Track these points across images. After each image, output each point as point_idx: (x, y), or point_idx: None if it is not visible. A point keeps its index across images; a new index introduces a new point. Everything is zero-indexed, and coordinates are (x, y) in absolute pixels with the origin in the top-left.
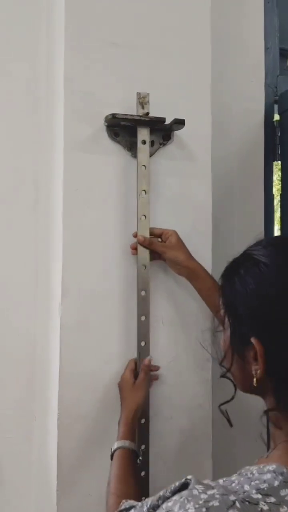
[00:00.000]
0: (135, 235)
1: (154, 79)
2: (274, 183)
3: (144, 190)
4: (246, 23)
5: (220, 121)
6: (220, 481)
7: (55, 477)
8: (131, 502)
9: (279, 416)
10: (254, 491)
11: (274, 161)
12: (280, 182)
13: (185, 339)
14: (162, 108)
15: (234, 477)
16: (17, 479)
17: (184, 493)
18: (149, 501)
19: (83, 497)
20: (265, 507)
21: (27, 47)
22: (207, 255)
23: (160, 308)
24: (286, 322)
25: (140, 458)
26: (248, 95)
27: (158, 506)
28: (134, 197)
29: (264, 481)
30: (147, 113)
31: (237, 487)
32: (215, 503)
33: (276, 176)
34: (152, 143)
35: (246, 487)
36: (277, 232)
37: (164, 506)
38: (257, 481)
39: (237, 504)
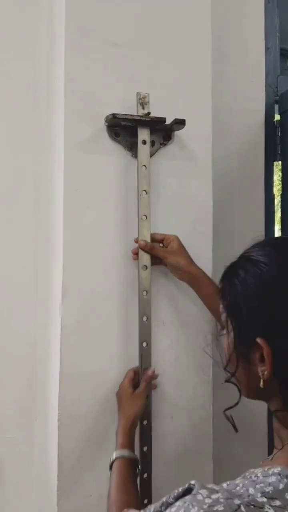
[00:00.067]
0: (136, 241)
1: (154, 79)
2: (274, 183)
3: (145, 190)
4: (246, 23)
5: (220, 121)
6: (224, 484)
7: (55, 477)
8: (133, 511)
9: (287, 416)
10: (259, 495)
11: (274, 161)
12: (280, 182)
13: (186, 340)
14: (162, 108)
15: (238, 480)
16: (17, 479)
17: (188, 498)
18: (151, 508)
19: (83, 498)
20: (271, 511)
21: (27, 47)
22: (207, 255)
23: (161, 309)
24: None
25: (139, 468)
26: (249, 95)
27: None
28: (135, 197)
29: (269, 484)
30: (148, 113)
31: (241, 491)
32: (220, 508)
33: (277, 176)
34: (152, 143)
35: (251, 491)
36: (277, 232)
37: None
38: (262, 484)
39: (242, 508)
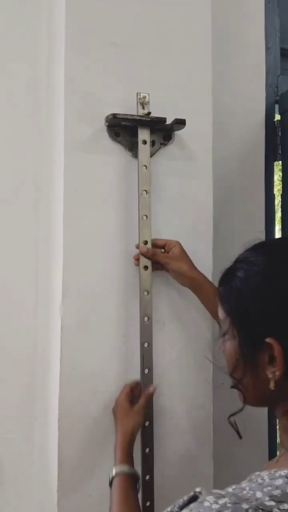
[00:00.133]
0: (137, 246)
1: (154, 79)
2: (274, 183)
3: (145, 190)
4: (246, 23)
5: (220, 121)
6: (230, 489)
7: (55, 478)
8: None
9: None
10: (267, 498)
11: (275, 161)
12: (281, 182)
13: (186, 340)
14: (162, 108)
15: (244, 484)
16: (17, 480)
17: (194, 505)
18: None
19: (83, 498)
20: None
21: (27, 47)
22: (207, 255)
23: (161, 309)
24: None
25: (140, 484)
26: (249, 95)
27: None
28: (135, 197)
29: (277, 487)
30: (148, 113)
31: (248, 495)
32: None
33: (277, 176)
34: (152, 143)
35: (259, 494)
36: (278, 232)
37: None
38: (269, 488)
39: None
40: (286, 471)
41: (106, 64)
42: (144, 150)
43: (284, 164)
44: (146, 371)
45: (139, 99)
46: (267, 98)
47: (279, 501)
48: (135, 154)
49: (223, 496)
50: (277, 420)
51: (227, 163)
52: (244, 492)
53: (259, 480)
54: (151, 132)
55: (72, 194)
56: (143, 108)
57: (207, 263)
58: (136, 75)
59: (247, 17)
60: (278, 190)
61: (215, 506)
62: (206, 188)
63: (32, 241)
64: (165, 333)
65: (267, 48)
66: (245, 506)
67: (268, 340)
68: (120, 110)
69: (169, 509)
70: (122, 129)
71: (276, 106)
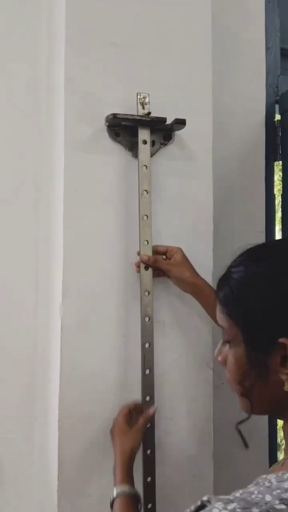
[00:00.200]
0: (139, 253)
1: (154, 79)
2: (275, 183)
3: (146, 190)
4: (247, 23)
5: (220, 121)
6: (237, 494)
7: (56, 478)
8: None
9: None
10: (277, 502)
11: (275, 161)
12: (281, 182)
13: (186, 340)
14: (162, 108)
15: (252, 488)
16: (17, 480)
17: None
18: None
19: (84, 498)
20: None
21: (27, 47)
22: (207, 255)
23: (161, 310)
24: None
25: (141, 504)
26: (249, 95)
27: None
28: (135, 197)
29: (286, 490)
30: (149, 113)
31: (257, 499)
32: None
33: (277, 176)
34: (153, 143)
35: (268, 498)
36: (278, 232)
37: None
38: (278, 491)
39: None
40: None
41: (106, 64)
42: (144, 150)
43: (284, 164)
44: (147, 371)
45: (139, 99)
46: (267, 98)
47: None
48: (135, 154)
49: (232, 502)
50: (283, 423)
51: (227, 163)
52: (253, 496)
53: (267, 483)
54: (151, 132)
55: (72, 194)
56: (143, 108)
57: (207, 263)
58: (136, 75)
59: (247, 17)
60: (278, 190)
61: None
62: (206, 188)
63: (32, 241)
64: (165, 334)
65: (267, 48)
66: (255, 510)
67: (282, 340)
68: (120, 110)
69: None
70: (122, 129)
71: (276, 106)
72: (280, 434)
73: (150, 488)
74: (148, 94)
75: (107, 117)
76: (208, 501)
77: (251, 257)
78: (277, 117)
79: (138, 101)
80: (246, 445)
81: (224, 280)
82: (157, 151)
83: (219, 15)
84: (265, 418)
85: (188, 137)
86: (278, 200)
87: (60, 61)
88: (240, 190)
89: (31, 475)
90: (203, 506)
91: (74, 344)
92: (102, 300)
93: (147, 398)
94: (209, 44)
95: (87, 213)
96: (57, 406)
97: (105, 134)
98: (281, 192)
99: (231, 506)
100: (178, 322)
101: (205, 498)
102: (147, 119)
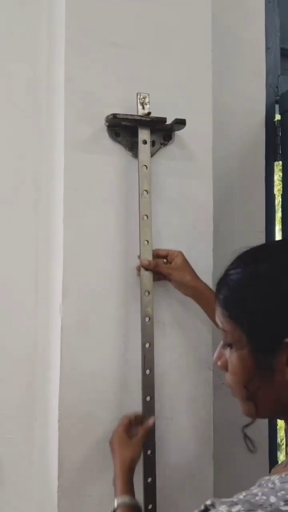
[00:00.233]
0: (139, 257)
1: (154, 79)
2: (275, 183)
3: (146, 190)
4: (246, 23)
5: (220, 121)
6: (241, 496)
7: (56, 478)
8: None
9: None
10: (282, 503)
11: (275, 161)
12: (281, 182)
13: (186, 340)
14: (162, 108)
15: (255, 490)
16: (17, 480)
17: None
18: None
19: (84, 498)
20: None
21: (27, 47)
22: (207, 255)
23: (161, 310)
24: None
25: None
26: (249, 95)
27: None
28: (135, 197)
29: None
30: (149, 113)
31: (261, 500)
32: None
33: (277, 176)
34: (153, 143)
35: (272, 499)
36: (278, 232)
37: None
38: (283, 492)
39: None
40: None
41: (106, 64)
42: (144, 150)
43: (284, 164)
44: (148, 371)
45: (139, 99)
46: (267, 98)
47: None
48: (135, 154)
49: (236, 504)
50: (284, 424)
51: (227, 163)
52: (257, 498)
53: (270, 485)
54: (151, 132)
55: (72, 194)
56: (143, 108)
57: (207, 263)
58: (136, 75)
59: (247, 17)
60: (278, 190)
61: None
62: (206, 188)
63: (32, 241)
64: (166, 334)
65: (267, 48)
66: None
67: (286, 340)
68: (120, 110)
69: None
70: (122, 129)
71: (276, 106)
72: (281, 434)
73: (150, 488)
74: (148, 94)
75: (107, 117)
76: (212, 505)
77: (249, 258)
78: (277, 117)
79: (138, 101)
80: (251, 450)
81: (223, 282)
82: (157, 151)
83: (219, 15)
84: (265, 419)
85: (188, 137)
86: (278, 200)
87: (60, 61)
88: (240, 190)
89: (31, 475)
90: (206, 510)
91: (74, 344)
92: (102, 300)
93: (147, 398)
94: (209, 44)
95: (87, 213)
96: (57, 406)
97: (105, 134)
98: (281, 192)
99: (235, 509)
100: (178, 322)
101: (208, 502)
102: (147, 119)
